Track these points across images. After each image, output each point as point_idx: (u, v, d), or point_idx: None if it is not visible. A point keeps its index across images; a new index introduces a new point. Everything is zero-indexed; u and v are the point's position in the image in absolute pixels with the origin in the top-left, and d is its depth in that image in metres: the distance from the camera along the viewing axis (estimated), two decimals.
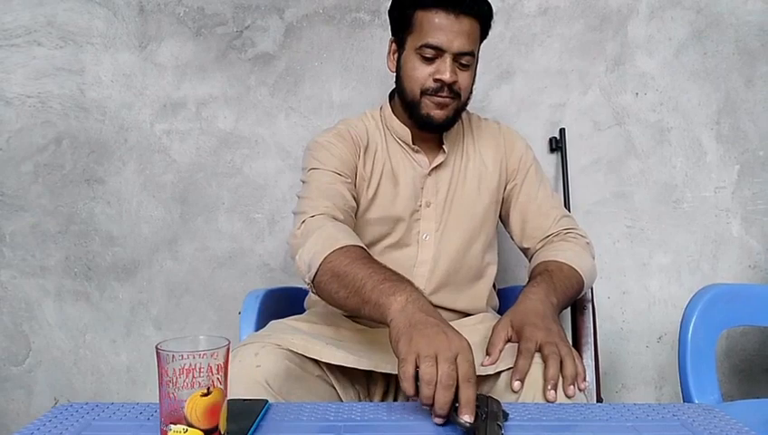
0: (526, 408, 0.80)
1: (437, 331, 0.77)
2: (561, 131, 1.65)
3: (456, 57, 1.10)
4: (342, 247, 0.94)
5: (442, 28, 1.08)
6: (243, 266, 1.70)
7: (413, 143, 1.21)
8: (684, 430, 0.74)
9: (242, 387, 0.85)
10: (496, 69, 1.66)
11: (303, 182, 1.15)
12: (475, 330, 1.08)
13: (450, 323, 1.13)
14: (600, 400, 1.31)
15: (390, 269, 0.91)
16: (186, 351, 0.62)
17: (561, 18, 1.65)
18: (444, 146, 1.20)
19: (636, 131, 1.67)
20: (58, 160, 1.69)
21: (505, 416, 0.74)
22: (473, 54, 1.13)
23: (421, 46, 1.10)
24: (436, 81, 1.11)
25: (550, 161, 1.66)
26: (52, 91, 1.67)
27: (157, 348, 0.63)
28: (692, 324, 1.25)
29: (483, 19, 1.14)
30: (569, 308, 1.26)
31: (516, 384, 0.87)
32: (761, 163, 1.68)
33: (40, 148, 1.69)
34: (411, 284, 0.88)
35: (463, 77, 1.13)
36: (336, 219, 1.04)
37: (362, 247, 0.97)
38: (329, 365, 0.96)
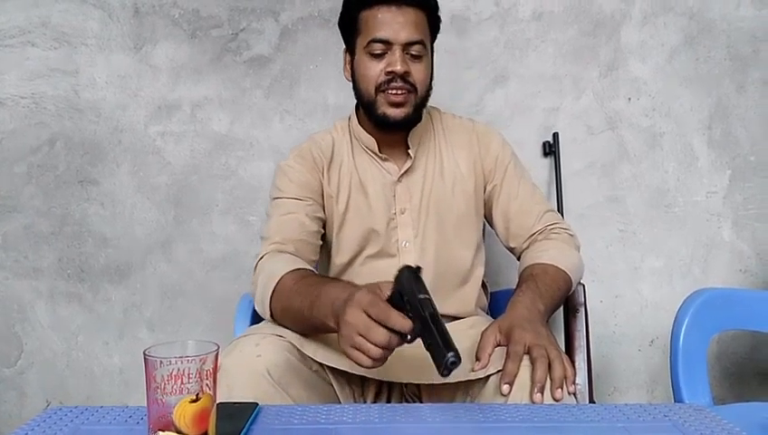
0: (517, 409, 0.81)
1: (347, 311, 0.79)
2: (555, 136, 1.66)
3: (406, 48, 1.10)
4: (277, 284, 0.98)
5: (386, 21, 1.09)
6: (237, 269, 1.70)
7: (380, 151, 1.20)
8: (675, 431, 0.74)
9: (243, 376, 0.86)
10: (491, 73, 1.66)
11: (267, 215, 1.17)
12: (465, 335, 1.07)
13: None
14: (592, 403, 1.31)
15: (315, 283, 0.94)
16: (174, 356, 0.61)
17: (555, 23, 1.66)
18: (410, 151, 1.19)
19: (628, 136, 1.68)
20: (52, 162, 1.68)
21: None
22: (423, 44, 1.12)
23: (369, 43, 1.10)
24: (388, 73, 1.10)
25: (543, 165, 1.67)
26: (46, 92, 1.67)
27: (144, 354, 0.62)
28: (683, 328, 1.25)
29: (428, 10, 1.14)
30: (561, 312, 1.26)
31: (505, 388, 0.86)
32: (752, 168, 1.69)
33: (33, 149, 1.68)
34: (334, 287, 0.89)
35: (417, 69, 1.12)
36: (284, 252, 1.07)
37: (293, 271, 0.99)
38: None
